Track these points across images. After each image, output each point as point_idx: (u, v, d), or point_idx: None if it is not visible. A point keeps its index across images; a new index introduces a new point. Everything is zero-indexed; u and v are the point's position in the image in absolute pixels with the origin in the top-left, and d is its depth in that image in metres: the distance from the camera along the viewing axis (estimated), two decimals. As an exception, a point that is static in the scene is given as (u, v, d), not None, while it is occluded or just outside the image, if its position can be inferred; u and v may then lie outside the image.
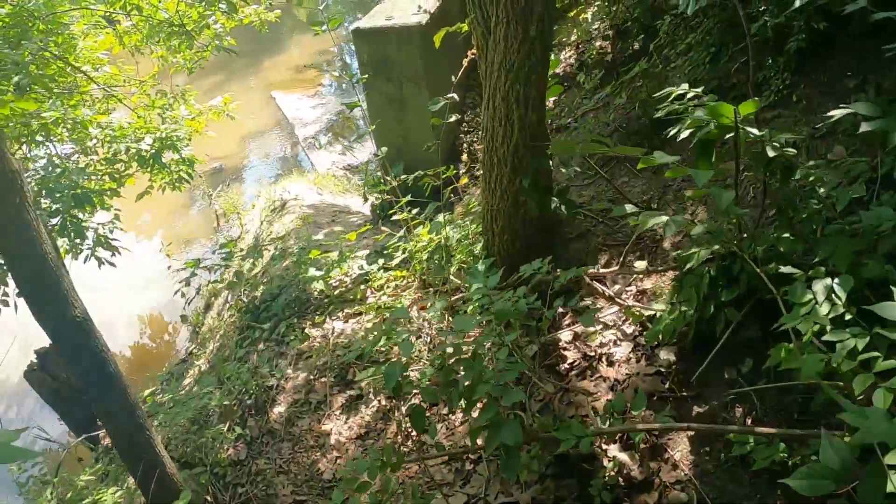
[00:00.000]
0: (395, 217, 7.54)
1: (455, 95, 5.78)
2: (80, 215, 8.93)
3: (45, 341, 11.96)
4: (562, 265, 5.79)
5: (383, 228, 8.86)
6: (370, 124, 9.23)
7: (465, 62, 5.90)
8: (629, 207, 4.53)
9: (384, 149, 7.46)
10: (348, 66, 24.17)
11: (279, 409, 6.53)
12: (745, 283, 4.15)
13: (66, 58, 10.28)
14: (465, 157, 9.71)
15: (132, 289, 14.31)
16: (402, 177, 7.97)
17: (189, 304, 10.37)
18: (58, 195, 8.36)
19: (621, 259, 5.94)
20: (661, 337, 4.69)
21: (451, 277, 6.47)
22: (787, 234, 4.02)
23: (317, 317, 7.44)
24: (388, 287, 7.22)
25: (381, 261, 7.53)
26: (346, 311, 7.31)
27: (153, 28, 10.70)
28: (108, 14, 11.07)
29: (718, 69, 6.86)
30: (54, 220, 8.31)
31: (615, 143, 7.60)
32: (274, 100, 21.19)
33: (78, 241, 8.97)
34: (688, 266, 4.28)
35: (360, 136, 17.21)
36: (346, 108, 7.86)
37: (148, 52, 11.79)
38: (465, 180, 8.64)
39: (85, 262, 9.55)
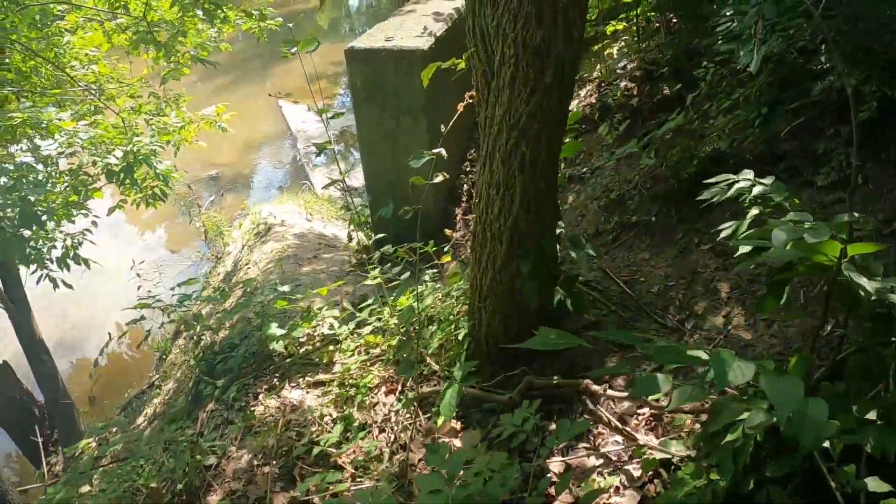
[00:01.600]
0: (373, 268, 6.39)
1: (443, 151, 4.58)
2: (26, 233, 7.79)
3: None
4: (559, 366, 4.75)
5: (369, 271, 7.79)
6: (362, 156, 8.08)
7: (460, 107, 4.67)
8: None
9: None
10: (344, 77, 23.16)
11: (212, 500, 5.35)
12: (801, 460, 2.88)
13: (42, 53, 9.17)
14: (463, 199, 8.53)
15: (119, 292, 13.29)
16: (388, 214, 6.95)
17: (148, 336, 9.30)
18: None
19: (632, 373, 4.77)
20: (680, 508, 3.39)
21: (429, 361, 5.28)
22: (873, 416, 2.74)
23: (275, 379, 6.26)
24: (358, 354, 6.05)
25: (352, 322, 6.35)
26: (308, 377, 6.14)
27: (137, 30, 9.60)
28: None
29: (768, 133, 5.66)
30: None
31: (635, 207, 6.53)
32: (280, 109, 20.06)
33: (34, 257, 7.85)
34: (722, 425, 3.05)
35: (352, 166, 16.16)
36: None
37: (144, 52, 10.74)
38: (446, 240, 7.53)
39: (38, 284, 8.49)
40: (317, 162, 16.71)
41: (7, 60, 9.32)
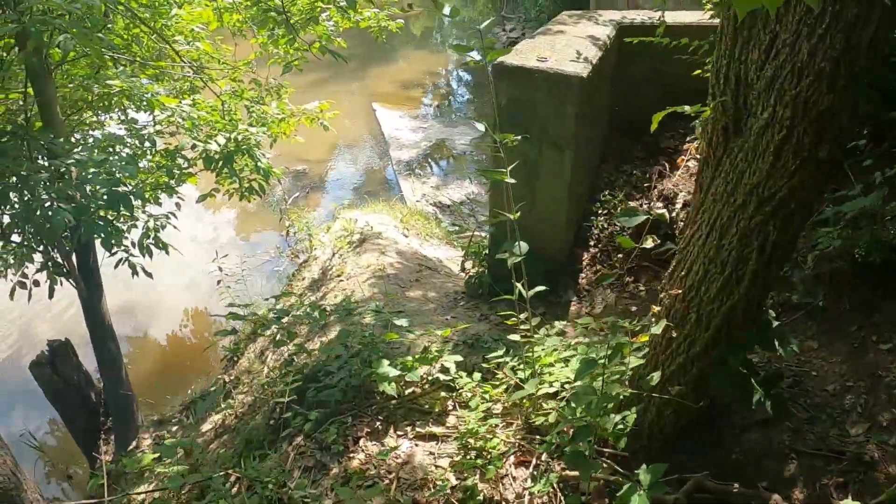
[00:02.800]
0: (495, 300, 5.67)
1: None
2: (111, 216, 7.19)
3: (46, 335, 10.63)
4: (727, 468, 4.16)
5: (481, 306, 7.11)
6: (502, 164, 7.35)
7: (680, 161, 3.94)
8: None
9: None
10: (453, 93, 22.51)
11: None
12: None
13: (147, 21, 8.58)
14: (592, 244, 7.77)
15: (188, 276, 12.75)
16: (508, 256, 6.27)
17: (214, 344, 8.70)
18: (89, 188, 6.62)
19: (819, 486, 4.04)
20: None
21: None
22: None
23: (378, 423, 5.55)
24: (479, 406, 5.33)
25: (475, 372, 5.66)
26: (418, 426, 5.42)
27: (257, 10, 8.93)
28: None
29: None
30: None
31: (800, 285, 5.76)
32: (374, 112, 19.45)
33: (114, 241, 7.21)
34: None
35: (462, 174, 15.44)
36: (486, 179, 5.87)
37: (250, 36, 10.16)
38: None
39: (116, 268, 7.88)
40: (407, 172, 16.05)
41: (110, 25, 8.77)
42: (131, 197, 6.82)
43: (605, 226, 7.84)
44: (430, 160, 16.68)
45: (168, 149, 7.80)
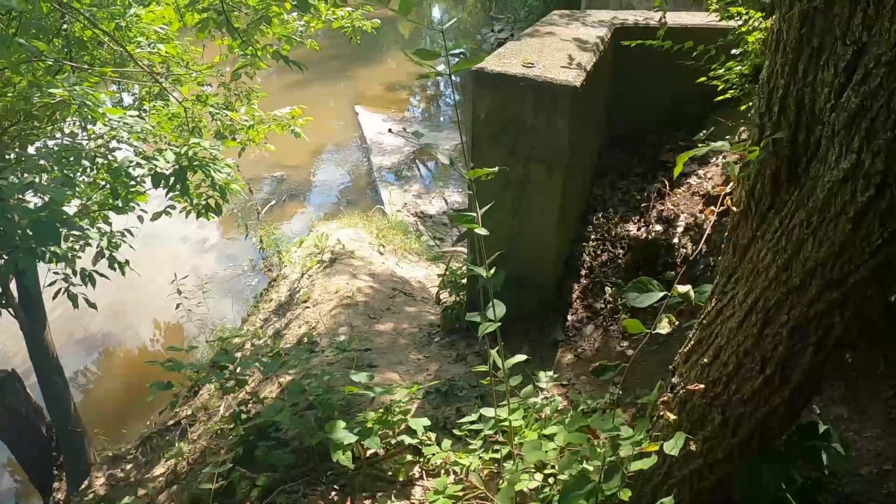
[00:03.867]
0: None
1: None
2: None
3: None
4: None
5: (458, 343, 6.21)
6: (473, 204, 6.38)
7: (708, 213, 3.03)
8: None
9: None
10: (441, 95, 21.57)
11: None
12: None
13: (100, 23, 7.67)
14: (583, 273, 6.83)
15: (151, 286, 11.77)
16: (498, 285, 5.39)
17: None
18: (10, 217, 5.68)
19: None
20: None
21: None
22: None
23: (333, 493, 4.64)
24: (448, 473, 4.43)
25: (445, 437, 4.75)
26: (378, 498, 4.53)
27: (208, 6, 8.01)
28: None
29: None
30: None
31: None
32: (357, 115, 18.45)
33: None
34: None
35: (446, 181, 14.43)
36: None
37: (220, 37, 9.23)
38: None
39: (54, 299, 6.98)
40: (389, 179, 15.07)
41: (66, 27, 7.85)
42: (59, 228, 5.86)
43: (598, 252, 6.89)
44: (412, 166, 15.71)
45: (112, 164, 6.80)
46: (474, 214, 3.42)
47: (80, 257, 7.11)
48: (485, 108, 5.62)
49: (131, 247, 7.65)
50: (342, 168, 16.39)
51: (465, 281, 6.71)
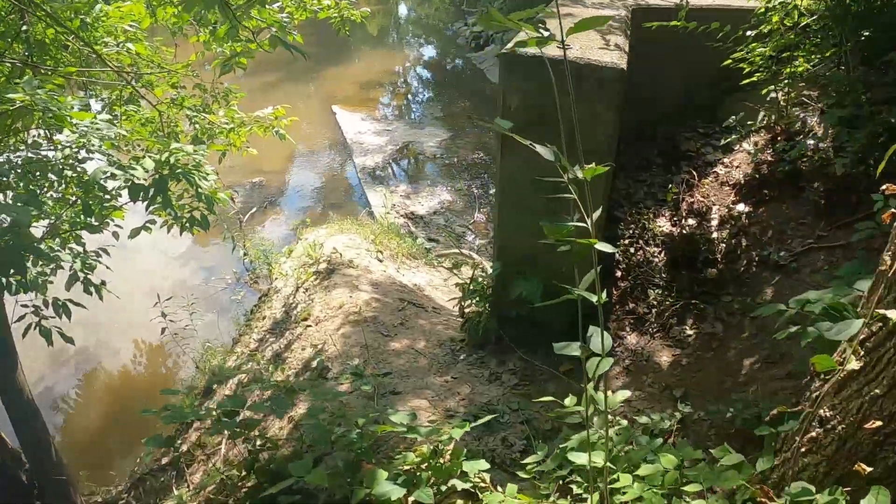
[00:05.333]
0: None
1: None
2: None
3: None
4: None
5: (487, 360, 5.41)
6: (497, 203, 5.52)
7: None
8: None
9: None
10: (415, 92, 20.69)
11: None
12: None
13: (63, 20, 6.83)
14: (620, 275, 6.04)
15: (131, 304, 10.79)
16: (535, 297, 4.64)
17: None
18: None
19: None
20: None
21: None
22: None
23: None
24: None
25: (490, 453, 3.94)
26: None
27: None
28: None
29: None
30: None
31: None
32: (335, 115, 17.53)
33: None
34: None
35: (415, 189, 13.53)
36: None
37: (191, 34, 8.37)
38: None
39: (24, 337, 6.12)
40: (374, 180, 14.16)
41: (25, 28, 6.97)
42: (25, 254, 5.01)
43: (633, 251, 6.09)
44: (396, 165, 14.84)
45: (82, 177, 5.87)
46: (579, 225, 2.53)
47: (51, 282, 6.32)
48: (517, 97, 4.79)
49: (107, 267, 6.88)
50: (321, 171, 15.46)
51: (490, 290, 5.88)
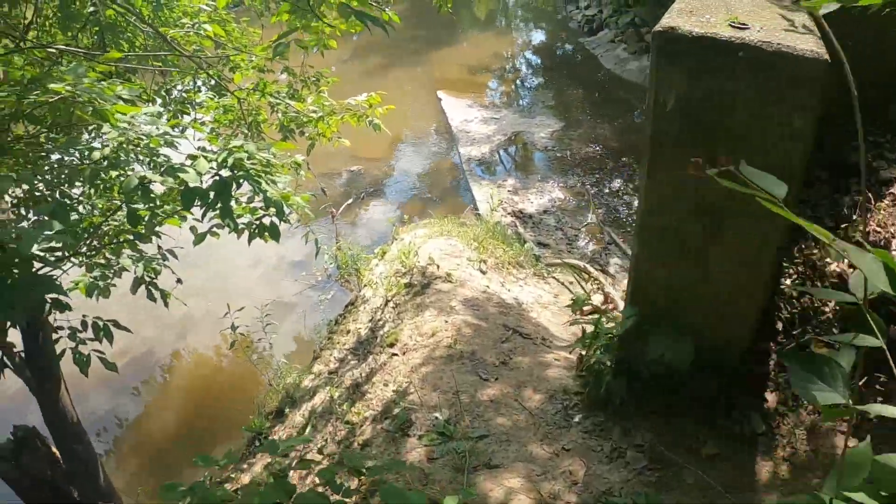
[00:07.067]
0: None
1: None
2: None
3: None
4: None
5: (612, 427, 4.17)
6: (638, 231, 4.05)
7: None
8: None
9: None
10: (524, 78, 19.21)
11: None
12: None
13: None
14: (781, 329, 4.57)
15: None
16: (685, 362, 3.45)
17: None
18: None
19: None
20: None
21: None
22: None
23: None
24: None
25: None
26: None
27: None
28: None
29: None
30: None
31: None
32: (439, 101, 16.24)
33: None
34: None
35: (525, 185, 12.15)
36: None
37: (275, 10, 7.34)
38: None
39: (60, 359, 5.12)
40: (479, 172, 12.84)
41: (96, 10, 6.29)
42: (55, 280, 3.94)
43: (798, 298, 4.61)
44: (504, 157, 13.48)
45: (121, 184, 4.67)
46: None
47: (114, 286, 5.72)
48: (675, 92, 3.40)
49: (175, 277, 6.19)
50: (424, 160, 14.23)
51: (618, 337, 4.49)
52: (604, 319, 4.61)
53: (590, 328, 4.65)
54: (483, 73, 18.97)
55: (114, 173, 4.75)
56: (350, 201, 12.30)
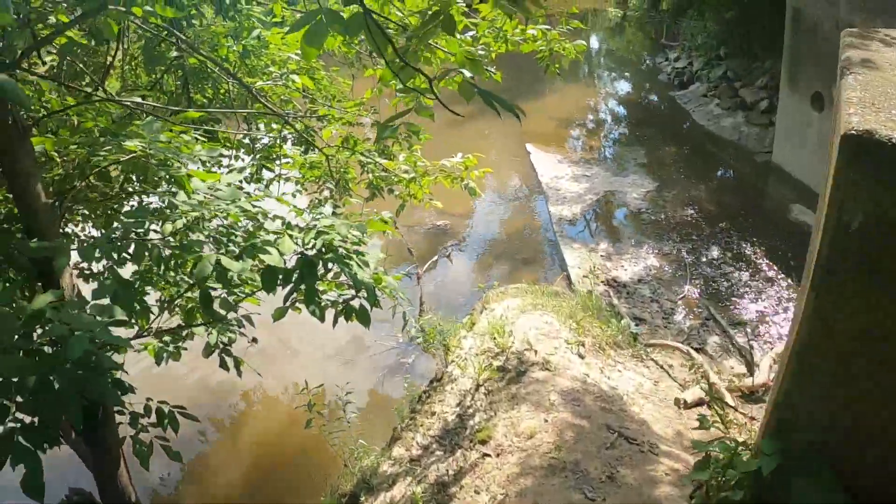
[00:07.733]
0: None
1: None
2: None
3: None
4: None
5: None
6: (796, 349, 3.31)
7: None
8: None
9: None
10: (611, 132, 18.55)
11: None
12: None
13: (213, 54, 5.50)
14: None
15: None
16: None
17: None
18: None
19: None
20: None
21: None
22: None
23: None
24: None
25: None
26: None
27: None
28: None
29: None
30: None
31: None
32: (528, 154, 15.65)
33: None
34: None
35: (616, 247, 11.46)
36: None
37: (372, 64, 6.93)
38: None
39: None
40: (571, 233, 12.15)
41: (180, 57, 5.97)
42: (115, 375, 3.44)
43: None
44: (596, 219, 12.83)
45: (202, 264, 4.10)
46: None
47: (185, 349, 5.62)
48: (862, 211, 2.68)
49: (251, 338, 5.80)
50: (512, 217, 13.63)
51: (748, 480, 3.77)
52: (739, 448, 3.88)
53: (715, 453, 3.93)
54: (571, 125, 18.42)
55: (178, 250, 4.23)
56: (435, 258, 11.69)
